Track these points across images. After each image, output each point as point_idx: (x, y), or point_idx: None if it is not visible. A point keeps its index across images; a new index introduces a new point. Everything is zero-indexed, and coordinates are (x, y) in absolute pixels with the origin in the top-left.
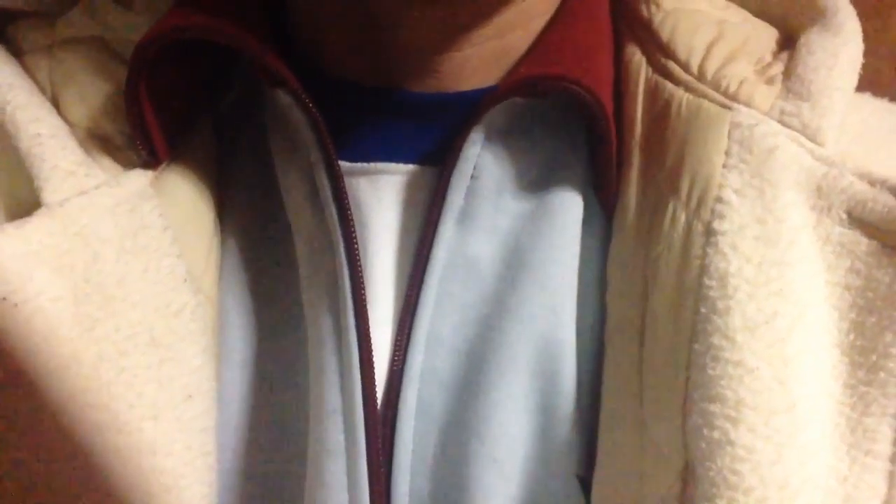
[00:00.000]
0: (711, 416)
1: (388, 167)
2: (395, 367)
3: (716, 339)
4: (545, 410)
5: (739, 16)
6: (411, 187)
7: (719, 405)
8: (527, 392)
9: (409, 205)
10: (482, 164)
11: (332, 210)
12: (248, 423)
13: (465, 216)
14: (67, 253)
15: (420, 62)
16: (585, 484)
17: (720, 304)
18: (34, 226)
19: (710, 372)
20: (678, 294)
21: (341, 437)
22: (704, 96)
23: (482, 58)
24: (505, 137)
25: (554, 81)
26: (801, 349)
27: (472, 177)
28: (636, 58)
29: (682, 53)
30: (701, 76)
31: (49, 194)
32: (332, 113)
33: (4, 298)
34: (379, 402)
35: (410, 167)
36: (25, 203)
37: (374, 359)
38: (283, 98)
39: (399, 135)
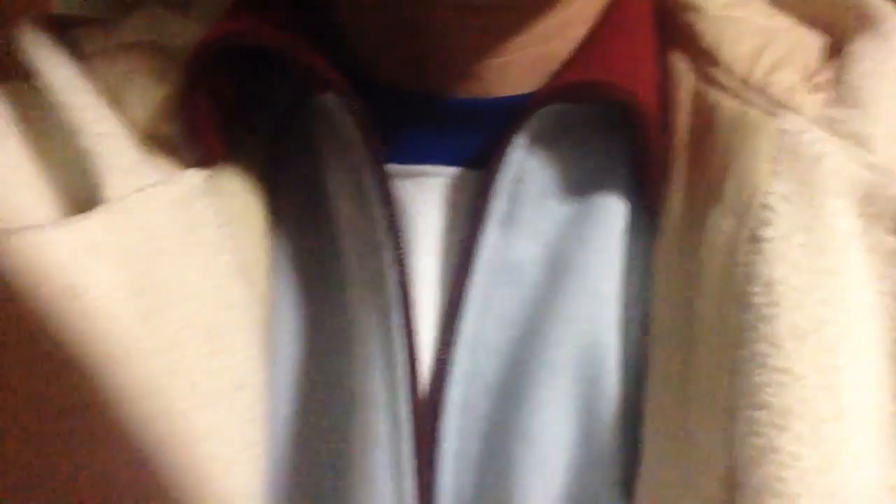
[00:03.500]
0: (757, 423)
1: (433, 170)
2: (439, 368)
3: (762, 347)
4: (588, 414)
5: (785, 23)
6: (456, 190)
7: (765, 412)
8: (570, 396)
9: (453, 207)
10: (526, 168)
11: (379, 211)
12: (295, 416)
13: (508, 220)
14: (126, 247)
15: (462, 67)
16: (628, 488)
17: (766, 312)
18: (94, 221)
19: (756, 379)
20: (723, 301)
21: (388, 434)
22: (750, 103)
23: (523, 64)
24: (549, 142)
25: (598, 86)
26: (850, 358)
27: (515, 181)
28: (681, 64)
29: (727, 61)
30: (747, 83)
31: (109, 191)
32: (377, 117)
33: (65, 290)
34: (424, 402)
35: (455, 170)
36: (86, 199)
37: (418, 360)
38: (332, 101)
39: (443, 138)
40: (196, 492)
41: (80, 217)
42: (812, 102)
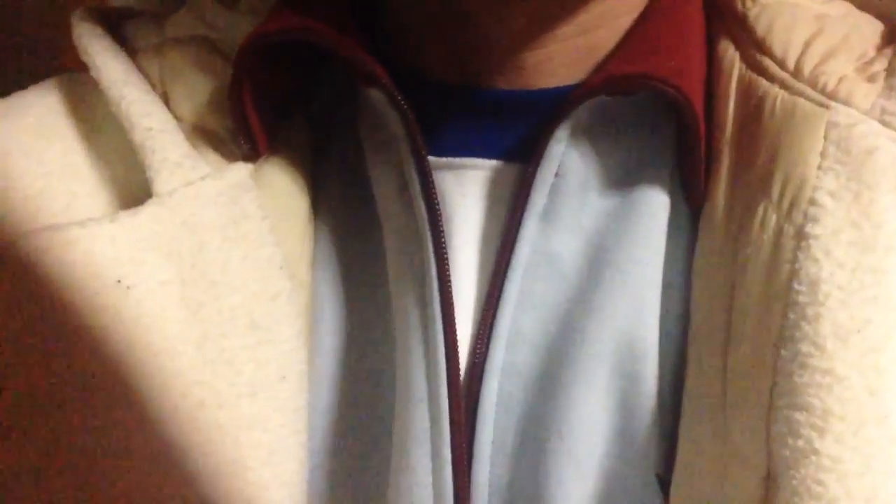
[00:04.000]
0: (797, 424)
1: (474, 162)
2: (476, 360)
3: (804, 347)
4: (625, 409)
5: (842, 9)
6: (496, 183)
7: (805, 414)
8: (607, 390)
9: (493, 200)
10: (567, 162)
11: (421, 204)
12: (336, 406)
13: (548, 214)
14: (175, 240)
15: (505, 59)
16: (664, 483)
17: (810, 311)
18: (146, 214)
19: (797, 379)
20: (766, 299)
21: (427, 425)
22: (800, 94)
23: (567, 55)
24: (591, 135)
25: (641, 80)
26: (895, 359)
27: (556, 175)
28: (729, 53)
29: (778, 49)
30: (797, 73)
31: (159, 185)
32: (419, 109)
33: (119, 281)
34: (462, 393)
35: (495, 163)
36: (137, 192)
37: (458, 353)
38: (375, 95)
39: (484, 131)
40: (239, 479)
41: (132, 212)
42: (865, 93)
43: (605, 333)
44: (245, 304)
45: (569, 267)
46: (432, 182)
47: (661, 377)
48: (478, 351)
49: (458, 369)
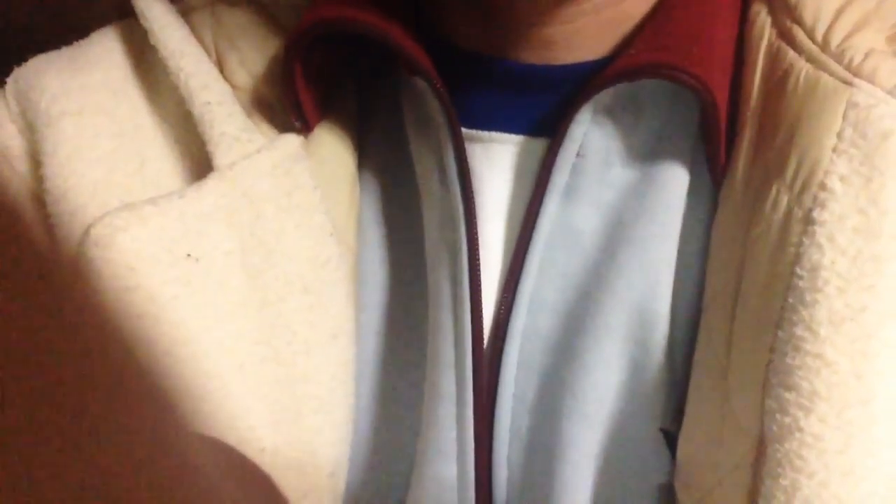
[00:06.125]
0: (786, 402)
1: (501, 137)
2: (500, 324)
3: (799, 330)
4: (635, 372)
5: None
6: (521, 157)
7: (794, 394)
8: (619, 355)
9: (519, 174)
10: (589, 141)
11: (457, 190)
12: (381, 356)
13: (569, 191)
14: (236, 211)
15: (534, 33)
16: (670, 436)
17: (808, 297)
18: (210, 188)
19: (790, 361)
20: (770, 279)
21: (453, 388)
22: (825, 69)
23: (595, 28)
24: (614, 113)
25: (662, 70)
26: (887, 344)
27: (577, 155)
28: (761, 18)
29: (808, 17)
30: (825, 45)
31: (219, 158)
32: (451, 78)
33: (189, 255)
34: (485, 352)
35: (521, 138)
36: (198, 156)
37: (483, 317)
38: (419, 82)
39: (512, 104)
40: (295, 426)
41: (197, 186)
42: (891, 70)
43: (617, 305)
44: (299, 270)
45: (588, 240)
46: (468, 170)
47: (672, 342)
48: (502, 315)
49: (483, 341)
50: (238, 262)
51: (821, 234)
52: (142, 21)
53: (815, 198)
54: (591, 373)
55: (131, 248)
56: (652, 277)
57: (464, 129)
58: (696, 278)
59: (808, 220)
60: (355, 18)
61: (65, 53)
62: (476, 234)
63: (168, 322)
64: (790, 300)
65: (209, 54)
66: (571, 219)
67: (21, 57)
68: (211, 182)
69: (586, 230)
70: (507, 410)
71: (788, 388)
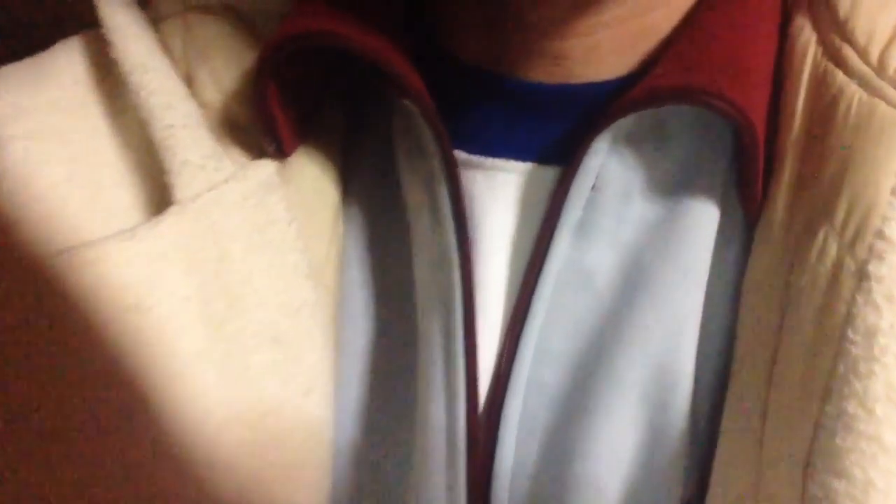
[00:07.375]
0: (834, 493)
1: (506, 164)
2: (501, 377)
3: (851, 407)
4: (653, 438)
5: None
6: (528, 188)
7: (844, 483)
8: (635, 417)
9: (525, 207)
10: (606, 173)
11: (451, 228)
12: (363, 406)
13: (583, 227)
14: (198, 251)
15: (546, 47)
16: None
17: (862, 367)
18: (167, 225)
19: (839, 442)
20: (816, 341)
21: (443, 456)
22: (881, 96)
23: (617, 42)
24: (634, 142)
25: (695, 94)
26: None
27: (593, 188)
28: (805, 34)
29: (861, 36)
30: (881, 68)
31: (180, 190)
32: (450, 96)
33: (137, 305)
34: (482, 408)
35: (529, 166)
36: (157, 196)
37: (481, 366)
38: (411, 106)
39: (520, 128)
40: (262, 495)
41: (152, 223)
42: None
43: (636, 360)
44: (269, 318)
45: (603, 283)
46: (464, 206)
47: (696, 401)
48: (503, 367)
49: (479, 400)
50: (198, 310)
51: (877, 291)
52: (103, 31)
53: (870, 248)
54: (602, 436)
55: (70, 295)
56: (674, 329)
57: (464, 155)
58: (724, 332)
59: (863, 275)
60: (333, 31)
61: (22, 67)
62: (471, 279)
63: (111, 382)
64: (841, 368)
65: (178, 68)
66: (584, 259)
67: (21, 55)
68: (169, 218)
69: (600, 272)
70: (505, 481)
71: (838, 476)
